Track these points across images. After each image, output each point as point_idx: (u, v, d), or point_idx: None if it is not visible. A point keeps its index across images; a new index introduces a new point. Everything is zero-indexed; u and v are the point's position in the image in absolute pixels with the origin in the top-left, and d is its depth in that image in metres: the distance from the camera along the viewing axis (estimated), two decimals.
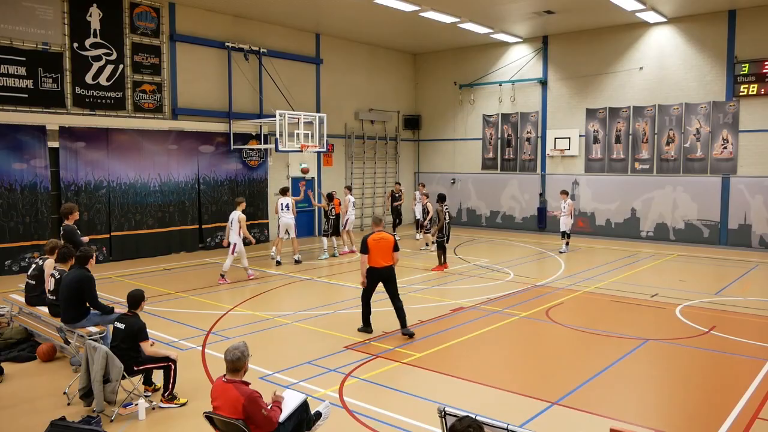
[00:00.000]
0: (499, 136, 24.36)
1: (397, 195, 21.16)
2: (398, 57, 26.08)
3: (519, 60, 23.61)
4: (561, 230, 18.37)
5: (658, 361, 8.70)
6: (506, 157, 24.27)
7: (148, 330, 6.97)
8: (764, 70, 18.65)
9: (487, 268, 15.55)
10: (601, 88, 21.82)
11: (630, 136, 21.19)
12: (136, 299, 6.97)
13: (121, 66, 16.66)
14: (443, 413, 4.38)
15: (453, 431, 3.77)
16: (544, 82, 23.09)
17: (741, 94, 19.08)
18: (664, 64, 20.46)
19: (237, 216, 13.82)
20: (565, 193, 18.50)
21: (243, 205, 14.19)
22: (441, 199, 16.02)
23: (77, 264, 7.89)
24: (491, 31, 21.64)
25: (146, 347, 6.84)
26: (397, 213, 21.22)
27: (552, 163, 23.11)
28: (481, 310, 11.32)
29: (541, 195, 23.09)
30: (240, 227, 13.73)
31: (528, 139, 23.65)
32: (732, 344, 9.36)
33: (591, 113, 22.01)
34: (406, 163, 26.65)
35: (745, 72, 18.99)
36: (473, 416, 3.88)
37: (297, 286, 13.60)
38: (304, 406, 5.51)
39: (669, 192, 20.31)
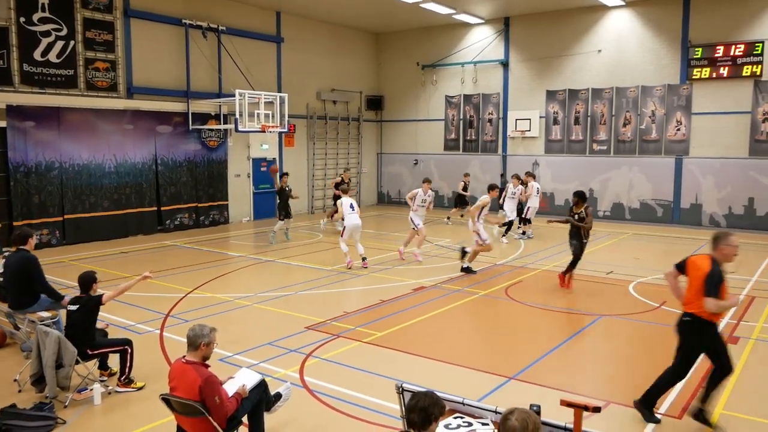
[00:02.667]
0: (462, 117, 24.48)
1: (344, 184, 18.33)
2: (361, 37, 25.88)
3: (481, 41, 23.68)
4: (508, 218, 17.11)
5: (610, 335, 8.96)
6: (468, 138, 24.42)
7: (104, 314, 6.84)
8: (716, 55, 19.11)
9: (449, 248, 15.69)
10: (560, 70, 22.07)
11: (588, 118, 21.54)
12: (87, 281, 6.77)
13: (72, 42, 16.12)
14: (401, 389, 4.43)
15: (410, 408, 3.82)
16: (505, 64, 23.23)
17: (694, 77, 19.54)
18: (621, 47, 20.78)
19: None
20: (516, 177, 17.49)
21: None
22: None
23: (17, 244, 7.64)
24: (453, 11, 21.63)
25: (109, 296, 6.77)
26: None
27: (513, 144, 23.35)
28: (442, 289, 11.45)
29: (503, 176, 23.33)
30: None
31: (490, 120, 23.83)
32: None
33: (551, 95, 22.27)
34: (369, 144, 26.58)
35: (698, 56, 19.44)
36: (430, 391, 3.93)
37: (257, 268, 13.51)
38: (261, 386, 5.49)
39: (625, 172, 20.76)
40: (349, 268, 12.99)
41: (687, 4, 19.53)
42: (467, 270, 12.73)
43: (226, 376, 5.48)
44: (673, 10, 19.75)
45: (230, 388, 5.21)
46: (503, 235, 17.03)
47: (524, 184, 17.46)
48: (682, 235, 17.98)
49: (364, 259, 13.26)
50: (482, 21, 23.36)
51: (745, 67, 18.77)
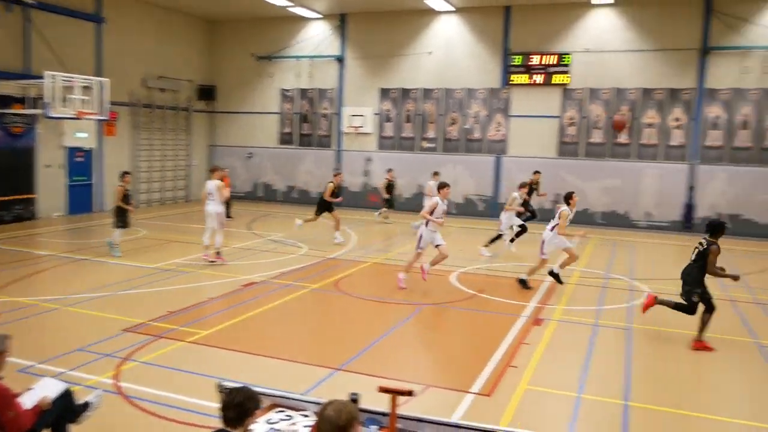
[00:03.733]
0: (297, 111, 24.36)
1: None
2: (193, 23, 24.73)
3: (317, 36, 23.72)
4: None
5: (432, 323, 9.47)
6: (303, 132, 24.38)
7: None
8: (531, 62, 20.88)
9: (281, 243, 15.55)
10: (394, 69, 22.79)
11: (419, 117, 22.48)
12: None
13: None
14: (222, 388, 4.29)
15: (225, 405, 3.71)
16: (341, 60, 23.49)
17: (512, 82, 21.20)
18: (450, 50, 21.94)
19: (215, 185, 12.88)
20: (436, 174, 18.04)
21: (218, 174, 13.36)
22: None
23: None
24: (290, 4, 21.44)
25: None
26: None
27: (348, 140, 23.71)
28: (272, 284, 11.31)
29: (338, 170, 23.60)
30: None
31: (324, 116, 23.98)
32: (494, 304, 10.45)
33: (384, 93, 22.92)
34: (200, 136, 25.50)
35: (517, 63, 21.10)
36: (245, 387, 3.84)
37: (70, 268, 12.39)
38: (65, 396, 5.04)
39: (451, 169, 21.94)
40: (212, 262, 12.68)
41: (508, 14, 21.12)
42: (524, 284, 11.47)
43: (25, 388, 4.95)
44: (495, 19, 21.24)
45: (28, 400, 4.73)
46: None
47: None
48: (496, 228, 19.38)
49: (218, 253, 12.83)
50: (319, 16, 23.41)
51: (556, 75, 20.71)
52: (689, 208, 19.59)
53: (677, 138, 19.72)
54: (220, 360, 7.53)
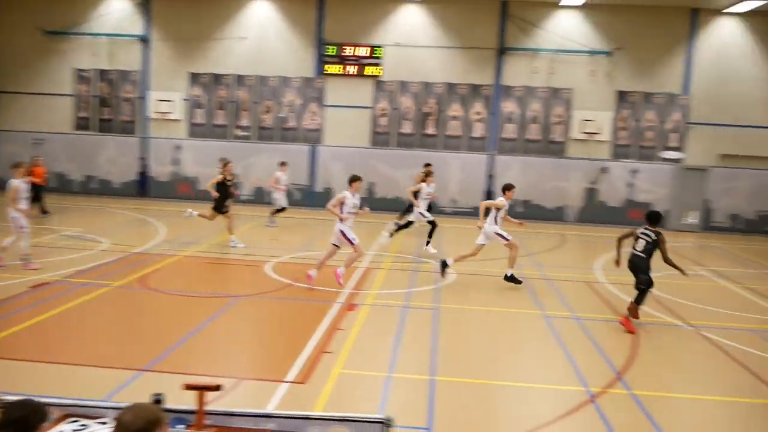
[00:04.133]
0: (95, 94, 22.32)
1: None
2: None
3: (118, 12, 21.87)
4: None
5: (246, 315, 9.22)
6: (103, 117, 22.41)
7: None
8: (344, 53, 21.20)
9: (78, 238, 14.19)
10: (205, 53, 21.80)
11: (232, 104, 21.78)
12: None
13: None
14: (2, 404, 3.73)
15: (3, 424, 3.23)
16: (145, 40, 21.93)
17: (327, 72, 21.37)
18: (264, 37, 21.51)
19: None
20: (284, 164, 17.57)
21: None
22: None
23: None
24: None
25: None
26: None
27: (155, 127, 22.25)
28: (67, 283, 10.24)
29: (143, 159, 22.10)
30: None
31: (127, 100, 22.26)
32: (309, 292, 10.45)
33: (195, 78, 21.86)
34: None
35: (330, 53, 21.29)
36: (26, 400, 3.38)
37: None
38: None
39: (267, 159, 21.62)
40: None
41: (321, 4, 21.21)
42: (512, 279, 11.30)
43: None
44: (309, 8, 21.21)
45: None
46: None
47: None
48: (318, 216, 19.53)
49: (25, 260, 11.01)
50: None
51: (368, 67, 21.25)
52: (489, 194, 21.27)
53: (478, 130, 21.30)
54: (2, 372, 6.64)
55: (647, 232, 9.22)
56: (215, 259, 12.69)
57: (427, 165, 16.83)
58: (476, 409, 6.27)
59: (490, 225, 11.29)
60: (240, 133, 21.87)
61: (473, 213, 21.05)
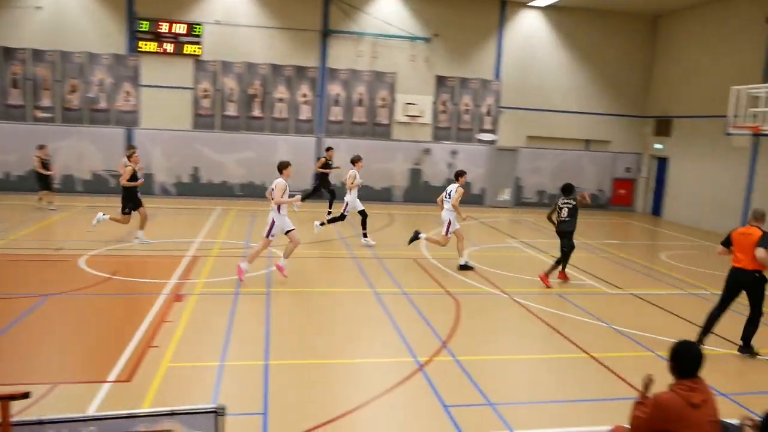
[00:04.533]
0: None
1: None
2: None
3: None
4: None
5: (60, 314, 8.36)
6: None
7: None
8: (160, 30, 19.92)
9: None
10: None
11: (29, 82, 19.53)
12: None
13: None
14: None
15: None
16: None
17: (141, 49, 19.93)
18: (63, 7, 19.45)
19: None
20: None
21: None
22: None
23: None
24: None
25: None
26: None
27: None
28: None
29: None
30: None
31: None
32: (132, 285, 9.83)
33: None
34: None
35: (144, 29, 19.88)
36: None
37: None
38: None
39: (75, 143, 19.76)
40: None
41: None
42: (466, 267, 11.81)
43: None
44: None
45: None
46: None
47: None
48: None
49: None
50: None
51: (187, 46, 20.17)
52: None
53: (305, 113, 21.23)
54: None
55: (567, 201, 11.09)
56: (15, 255, 11.38)
57: (329, 149, 17.74)
58: (311, 389, 6.30)
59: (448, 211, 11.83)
60: (41, 114, 19.68)
61: (303, 196, 21.07)
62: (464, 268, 11.81)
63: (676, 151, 21.38)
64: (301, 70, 20.98)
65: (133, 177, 12.65)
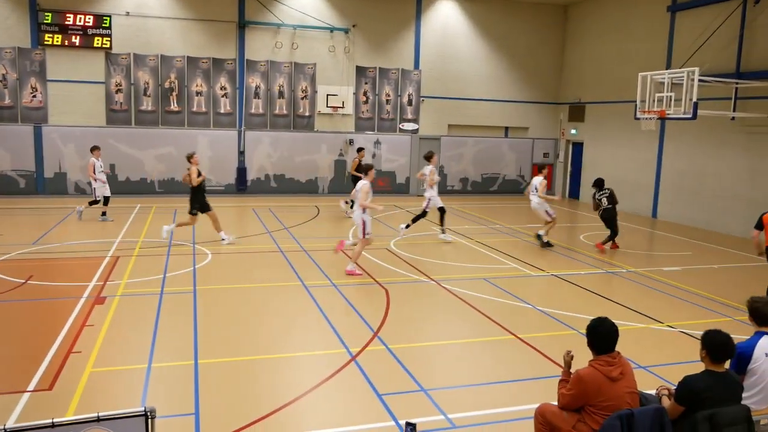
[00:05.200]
0: None
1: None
2: None
3: None
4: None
5: None
6: None
7: None
8: (67, 22, 18.95)
9: None
10: None
11: None
12: None
13: None
14: None
15: None
16: None
17: (46, 43, 18.93)
18: None
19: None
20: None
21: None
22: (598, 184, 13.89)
23: None
24: None
25: None
26: None
27: None
28: None
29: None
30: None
31: None
32: (49, 289, 9.39)
33: None
34: None
35: (49, 21, 18.87)
36: None
37: None
38: None
39: None
40: None
41: None
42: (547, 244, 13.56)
43: None
44: None
45: None
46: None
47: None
48: (49, 205, 17.46)
49: None
50: None
51: (96, 38, 19.30)
52: (241, 171, 21.00)
53: (225, 106, 20.78)
54: None
55: (602, 191, 13.42)
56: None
57: (361, 150, 17.14)
58: (243, 386, 6.24)
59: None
60: None
61: (225, 191, 20.69)
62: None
63: (590, 136, 22.35)
64: (218, 63, 20.51)
65: (198, 176, 12.52)
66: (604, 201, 13.37)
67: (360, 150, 17.23)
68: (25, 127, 19.01)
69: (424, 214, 14.08)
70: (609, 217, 13.34)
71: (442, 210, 14.00)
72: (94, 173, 15.00)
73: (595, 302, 9.63)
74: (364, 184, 10.58)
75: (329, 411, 5.84)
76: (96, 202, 15.23)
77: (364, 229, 10.58)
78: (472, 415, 5.73)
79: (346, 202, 16.82)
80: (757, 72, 15.50)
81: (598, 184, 13.65)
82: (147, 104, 20.02)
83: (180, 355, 6.94)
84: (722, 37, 16.31)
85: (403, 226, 14.05)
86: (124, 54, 19.60)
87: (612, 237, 13.45)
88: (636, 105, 15.72)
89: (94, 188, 15.17)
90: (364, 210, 10.56)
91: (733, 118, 15.79)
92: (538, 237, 13.73)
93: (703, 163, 17.46)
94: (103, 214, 15.20)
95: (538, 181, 13.67)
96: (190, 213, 12.62)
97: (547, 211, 13.60)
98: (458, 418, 5.66)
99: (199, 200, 12.65)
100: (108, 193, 15.37)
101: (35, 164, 19.18)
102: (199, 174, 12.54)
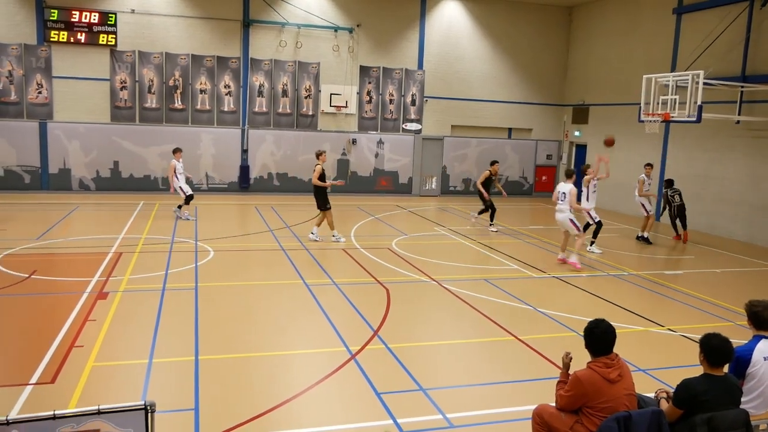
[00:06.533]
0: None
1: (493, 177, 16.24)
2: None
3: None
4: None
5: None
6: None
7: None
8: (73, 20, 19.02)
9: None
10: None
11: None
12: None
13: None
14: None
15: None
16: None
17: (52, 39, 18.98)
18: None
19: None
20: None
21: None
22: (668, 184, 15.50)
23: None
24: None
25: None
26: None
27: None
28: None
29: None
30: None
31: None
32: (53, 284, 9.45)
33: None
34: None
35: (55, 18, 18.93)
36: None
37: None
38: None
39: None
40: None
41: None
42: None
43: None
44: None
45: None
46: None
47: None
48: (53, 201, 17.53)
49: None
50: None
51: (101, 35, 19.35)
52: (244, 169, 21.05)
53: (229, 104, 20.82)
54: None
55: (675, 189, 15.06)
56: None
57: (495, 163, 16.52)
58: (243, 383, 6.27)
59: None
60: None
61: (229, 188, 20.74)
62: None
63: (594, 138, 22.33)
64: (222, 61, 20.54)
65: (323, 176, 13.20)
66: (677, 198, 14.94)
67: (494, 163, 16.47)
68: (30, 123, 19.08)
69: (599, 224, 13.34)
70: (681, 213, 14.96)
71: (599, 224, 13.28)
72: (175, 174, 15.23)
73: (595, 305, 9.64)
74: (572, 187, 11.80)
75: (328, 408, 5.86)
76: (190, 197, 15.46)
77: (576, 225, 11.84)
78: (471, 415, 5.75)
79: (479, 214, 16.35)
80: (763, 75, 15.47)
81: (669, 183, 15.26)
82: (151, 101, 20.08)
83: (181, 350, 6.98)
84: (728, 39, 16.29)
85: (593, 247, 13.45)
86: (129, 51, 19.65)
87: (683, 229, 15.10)
88: (640, 107, 15.70)
89: (180, 187, 15.35)
90: (570, 210, 11.81)
91: (738, 122, 15.76)
92: (641, 238, 14.92)
93: (706, 166, 17.43)
94: (179, 207, 15.43)
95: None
96: (324, 210, 13.24)
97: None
98: (456, 417, 5.69)
99: (324, 197, 13.24)
100: (190, 191, 15.59)
101: (40, 160, 19.24)
102: (324, 177, 13.30)
